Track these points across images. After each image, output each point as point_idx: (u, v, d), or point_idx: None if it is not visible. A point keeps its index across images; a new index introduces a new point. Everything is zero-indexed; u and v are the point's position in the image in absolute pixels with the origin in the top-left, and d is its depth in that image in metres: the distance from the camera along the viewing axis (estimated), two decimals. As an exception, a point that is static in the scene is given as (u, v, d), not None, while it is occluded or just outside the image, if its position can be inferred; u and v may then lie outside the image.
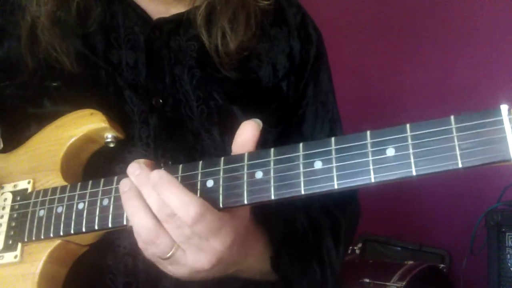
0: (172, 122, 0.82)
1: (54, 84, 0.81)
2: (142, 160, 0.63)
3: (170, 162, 0.80)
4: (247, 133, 0.61)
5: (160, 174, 0.59)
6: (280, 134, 0.91)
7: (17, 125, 0.83)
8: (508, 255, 1.88)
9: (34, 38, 0.81)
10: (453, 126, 0.48)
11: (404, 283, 1.88)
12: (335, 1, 2.47)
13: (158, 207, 0.58)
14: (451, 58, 2.28)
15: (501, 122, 0.46)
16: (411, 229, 2.35)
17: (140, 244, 0.62)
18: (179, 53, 0.84)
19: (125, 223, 0.64)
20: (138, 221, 0.59)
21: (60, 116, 0.79)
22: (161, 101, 0.82)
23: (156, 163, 0.79)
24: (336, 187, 0.52)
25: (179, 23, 0.85)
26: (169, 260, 0.62)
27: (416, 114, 2.16)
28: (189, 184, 0.60)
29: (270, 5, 0.86)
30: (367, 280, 1.93)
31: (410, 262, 2.05)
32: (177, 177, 0.62)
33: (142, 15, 0.84)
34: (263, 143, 0.87)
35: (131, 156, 0.79)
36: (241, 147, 0.61)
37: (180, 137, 0.82)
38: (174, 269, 0.64)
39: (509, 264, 1.88)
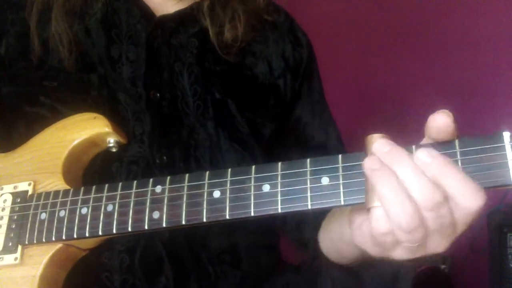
0: (167, 117, 0.87)
1: (51, 84, 0.85)
2: (378, 135, 0.55)
3: (165, 158, 0.85)
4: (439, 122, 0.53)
5: (431, 154, 0.52)
6: (275, 131, 0.97)
7: (10, 124, 0.86)
8: (510, 256, 1.91)
9: (44, 23, 0.86)
10: (457, 150, 0.53)
11: (404, 284, 1.92)
12: (335, 1, 2.49)
13: (427, 192, 0.51)
14: (451, 56, 2.30)
15: (503, 148, 0.51)
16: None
17: (385, 228, 0.53)
18: (180, 50, 0.90)
19: (129, 229, 0.68)
20: (399, 205, 0.51)
21: (56, 115, 0.83)
22: (158, 95, 0.86)
23: (151, 159, 0.84)
24: (342, 203, 0.57)
25: (181, 19, 0.90)
26: (411, 247, 0.56)
27: (416, 113, 2.15)
28: (195, 194, 0.65)
29: (262, 10, 0.95)
30: (369, 282, 1.96)
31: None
32: (183, 187, 0.66)
33: (145, 12, 0.89)
34: (259, 138, 0.94)
35: (126, 154, 0.84)
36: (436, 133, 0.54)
37: (175, 132, 0.87)
38: (405, 253, 0.58)
39: (511, 265, 1.92)
